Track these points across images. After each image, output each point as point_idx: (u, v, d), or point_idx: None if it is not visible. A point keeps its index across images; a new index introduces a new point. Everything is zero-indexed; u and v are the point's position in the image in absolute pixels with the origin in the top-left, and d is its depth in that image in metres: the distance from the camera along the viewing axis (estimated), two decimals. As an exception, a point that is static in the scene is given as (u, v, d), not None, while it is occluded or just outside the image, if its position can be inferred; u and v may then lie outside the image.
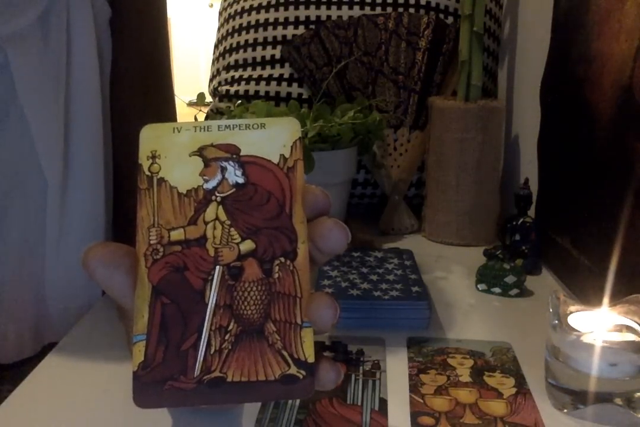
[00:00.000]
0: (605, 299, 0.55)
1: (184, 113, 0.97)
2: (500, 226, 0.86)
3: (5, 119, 0.62)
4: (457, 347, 0.59)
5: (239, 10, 1.07)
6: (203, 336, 0.26)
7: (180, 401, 0.26)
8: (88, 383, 0.54)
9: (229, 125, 0.30)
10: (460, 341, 0.61)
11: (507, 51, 1.05)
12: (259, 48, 1.03)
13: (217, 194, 0.29)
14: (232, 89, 1.04)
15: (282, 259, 0.28)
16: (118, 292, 0.27)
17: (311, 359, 0.26)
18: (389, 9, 0.99)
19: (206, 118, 1.05)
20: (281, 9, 1.02)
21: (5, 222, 0.65)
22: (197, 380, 0.26)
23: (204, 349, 0.26)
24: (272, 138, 0.30)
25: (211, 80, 1.13)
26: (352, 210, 0.96)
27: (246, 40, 1.04)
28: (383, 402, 0.50)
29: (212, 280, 0.27)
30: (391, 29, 0.97)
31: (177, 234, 0.28)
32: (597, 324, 0.49)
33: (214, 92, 1.10)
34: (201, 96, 0.92)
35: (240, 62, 1.05)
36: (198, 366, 0.26)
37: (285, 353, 0.26)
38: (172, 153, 0.29)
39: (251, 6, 1.05)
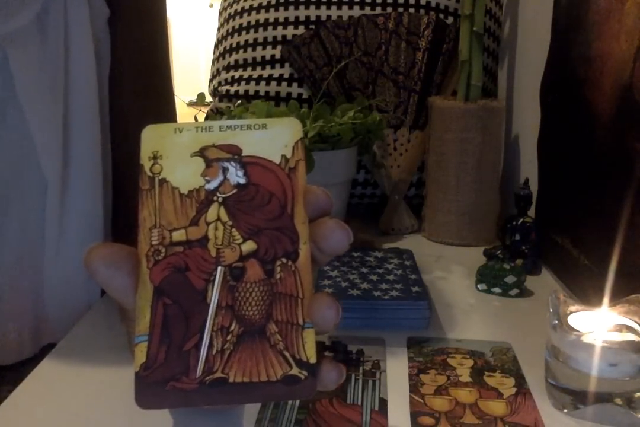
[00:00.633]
0: (605, 299, 0.55)
1: (184, 113, 0.97)
2: (500, 226, 0.86)
3: (4, 118, 0.62)
4: (457, 347, 0.59)
5: (239, 10, 1.07)
6: (205, 337, 0.26)
7: (182, 401, 0.26)
8: (87, 383, 0.54)
9: (231, 126, 0.30)
10: (460, 341, 0.61)
11: (507, 51, 1.05)
12: (259, 48, 1.03)
13: (219, 195, 0.29)
14: (232, 89, 1.04)
15: (284, 260, 0.28)
16: (120, 293, 0.27)
17: (313, 359, 0.26)
18: (389, 9, 0.99)
19: (206, 118, 1.05)
20: (281, 9, 1.02)
21: (4, 222, 0.65)
22: (199, 381, 0.26)
23: (206, 350, 0.26)
24: (274, 138, 0.30)
25: (211, 80, 1.13)
26: (352, 210, 0.96)
27: (246, 40, 1.04)
28: (383, 402, 0.50)
29: (213, 281, 0.27)
30: (391, 29, 0.97)
31: (178, 235, 0.28)
32: (597, 324, 0.49)
33: (214, 92, 1.10)
34: (201, 96, 0.92)
35: (240, 62, 1.05)
36: (200, 366, 0.26)
37: (287, 354, 0.26)
38: (174, 154, 0.29)
39: (251, 6, 1.05)
